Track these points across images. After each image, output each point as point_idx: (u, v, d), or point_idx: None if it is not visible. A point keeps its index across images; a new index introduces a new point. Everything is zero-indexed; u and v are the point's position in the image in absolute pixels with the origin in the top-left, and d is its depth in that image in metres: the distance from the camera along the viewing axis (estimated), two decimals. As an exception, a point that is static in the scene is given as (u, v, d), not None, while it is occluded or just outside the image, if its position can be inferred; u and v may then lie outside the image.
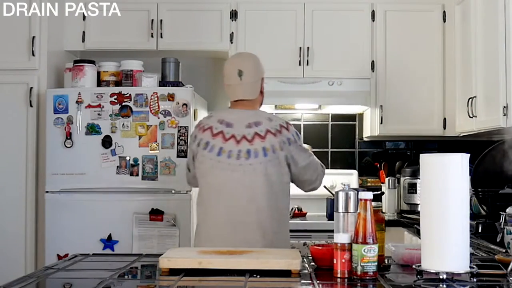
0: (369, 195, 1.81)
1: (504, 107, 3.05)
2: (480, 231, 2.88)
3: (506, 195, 2.87)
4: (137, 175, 3.57)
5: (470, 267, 1.76)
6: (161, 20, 4.03)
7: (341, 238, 1.80)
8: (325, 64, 4.01)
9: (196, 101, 3.79)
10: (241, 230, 2.53)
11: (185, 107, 3.58)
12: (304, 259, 2.10)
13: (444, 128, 4.00)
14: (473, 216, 3.07)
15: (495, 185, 2.97)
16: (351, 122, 4.41)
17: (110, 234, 3.55)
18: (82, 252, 2.32)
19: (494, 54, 3.17)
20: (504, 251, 2.28)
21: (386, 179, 4.11)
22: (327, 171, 4.24)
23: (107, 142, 3.58)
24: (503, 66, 3.08)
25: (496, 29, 3.15)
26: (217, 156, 2.57)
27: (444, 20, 4.03)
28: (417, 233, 3.33)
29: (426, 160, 1.78)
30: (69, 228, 3.56)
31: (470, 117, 3.48)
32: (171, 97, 3.59)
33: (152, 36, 4.03)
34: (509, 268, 1.85)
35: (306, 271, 1.93)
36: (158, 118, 3.58)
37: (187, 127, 3.57)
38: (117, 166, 3.58)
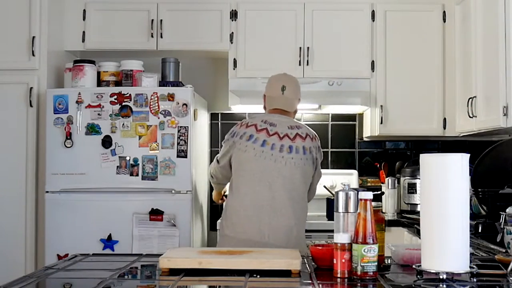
0: (369, 195, 1.81)
1: (504, 107, 3.05)
2: (480, 231, 2.88)
3: (506, 195, 2.86)
4: (137, 175, 3.57)
5: (470, 267, 1.76)
6: (161, 20, 4.03)
7: (341, 238, 1.80)
8: (325, 64, 4.01)
9: (196, 101, 3.79)
10: (275, 215, 2.77)
11: (185, 107, 3.58)
12: (304, 259, 2.10)
13: (444, 128, 4.00)
14: (473, 216, 3.07)
15: (495, 185, 2.97)
16: (351, 122, 4.41)
17: (110, 234, 3.55)
18: (82, 252, 2.32)
19: (494, 54, 3.17)
20: (504, 251, 2.28)
21: (386, 179, 4.11)
22: (327, 171, 4.27)
23: (107, 142, 3.58)
24: (503, 66, 3.08)
25: (496, 29, 3.15)
26: (260, 147, 2.83)
27: (444, 20, 4.03)
28: (417, 233, 3.33)
29: (426, 160, 1.78)
30: (69, 228, 3.56)
31: (470, 117, 3.48)
32: (171, 97, 3.59)
33: (152, 36, 4.02)
34: (509, 268, 1.85)
35: (306, 271, 1.93)
36: (158, 118, 3.58)
37: (187, 127, 3.57)
38: (117, 166, 3.58)
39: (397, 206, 4.10)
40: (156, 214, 3.54)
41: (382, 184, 4.19)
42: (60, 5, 4.01)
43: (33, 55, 3.78)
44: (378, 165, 4.30)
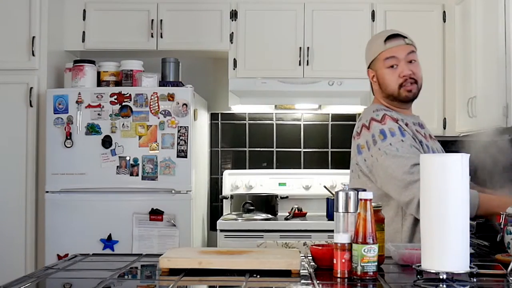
0: (369, 195, 1.81)
1: (504, 107, 3.05)
2: (480, 231, 2.88)
3: (506, 195, 2.86)
4: (137, 175, 3.57)
5: (470, 267, 1.76)
6: (161, 20, 4.02)
7: (341, 238, 1.79)
8: (325, 64, 4.01)
9: (196, 101, 3.79)
10: None
11: (185, 107, 3.58)
12: (304, 259, 2.10)
13: (444, 128, 4.00)
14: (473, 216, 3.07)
15: (495, 185, 2.97)
16: (351, 122, 4.40)
17: (110, 234, 3.55)
18: (82, 252, 2.32)
19: (494, 54, 3.17)
20: (504, 251, 2.28)
21: (386, 179, 4.10)
22: (327, 171, 4.27)
23: (107, 142, 3.58)
24: (503, 66, 3.08)
25: (496, 29, 3.15)
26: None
27: (444, 20, 4.03)
28: (417, 233, 3.33)
29: (426, 160, 1.78)
30: (69, 228, 3.56)
31: (470, 117, 3.48)
32: (171, 97, 3.58)
33: (152, 36, 4.02)
34: (509, 268, 1.85)
35: (306, 271, 1.93)
36: (158, 118, 3.58)
37: (187, 127, 3.57)
38: (117, 166, 3.58)
39: (397, 206, 4.09)
40: (156, 214, 3.54)
41: (382, 184, 4.18)
42: (60, 5, 4.01)
43: (33, 55, 3.78)
44: (378, 165, 4.29)
